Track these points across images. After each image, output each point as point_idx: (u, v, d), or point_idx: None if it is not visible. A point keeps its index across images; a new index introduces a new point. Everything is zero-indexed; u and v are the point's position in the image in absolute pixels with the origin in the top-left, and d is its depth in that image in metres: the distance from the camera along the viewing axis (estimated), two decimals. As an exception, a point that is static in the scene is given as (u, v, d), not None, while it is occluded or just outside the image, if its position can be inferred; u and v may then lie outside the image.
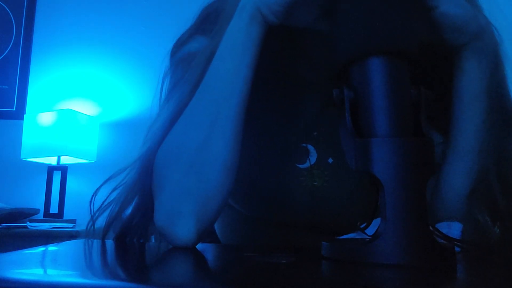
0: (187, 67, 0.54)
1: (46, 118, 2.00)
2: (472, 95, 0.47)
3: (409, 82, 0.37)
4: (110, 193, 0.53)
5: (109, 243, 0.49)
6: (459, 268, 0.33)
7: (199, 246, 0.48)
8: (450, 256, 0.34)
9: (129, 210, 0.52)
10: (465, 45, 0.46)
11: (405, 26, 0.37)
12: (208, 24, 0.56)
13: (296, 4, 0.45)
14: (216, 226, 0.72)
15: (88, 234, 0.52)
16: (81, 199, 2.10)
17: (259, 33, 0.46)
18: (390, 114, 0.35)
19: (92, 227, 0.53)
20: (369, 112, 0.36)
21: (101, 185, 0.53)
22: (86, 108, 2.25)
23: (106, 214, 0.53)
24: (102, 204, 0.53)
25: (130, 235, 0.52)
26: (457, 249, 0.39)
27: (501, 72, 0.49)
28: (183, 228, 0.46)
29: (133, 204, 0.52)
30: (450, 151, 0.49)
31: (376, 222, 0.36)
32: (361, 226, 0.41)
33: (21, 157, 2.04)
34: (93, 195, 0.54)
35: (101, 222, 0.53)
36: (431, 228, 0.34)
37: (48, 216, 1.96)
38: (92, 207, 0.53)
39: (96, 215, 0.53)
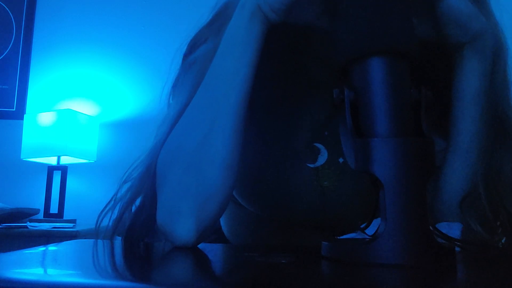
0: (197, 69, 0.54)
1: (46, 118, 2.00)
2: (472, 95, 0.47)
3: (410, 82, 0.37)
4: (116, 192, 0.53)
5: (109, 243, 0.49)
6: (459, 268, 0.33)
7: (200, 246, 0.48)
8: (450, 256, 0.34)
9: (134, 208, 0.52)
10: (466, 44, 0.46)
11: (405, 25, 0.37)
12: (222, 25, 0.56)
13: (296, 2, 0.45)
14: (224, 224, 0.72)
15: (98, 233, 0.52)
16: (81, 199, 2.10)
17: (259, 31, 0.46)
18: (390, 114, 0.35)
19: (105, 222, 0.53)
20: (370, 112, 0.36)
21: (120, 186, 0.53)
22: (86, 108, 2.25)
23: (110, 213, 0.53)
24: (109, 202, 0.53)
25: (136, 233, 0.52)
26: (457, 249, 0.39)
27: (502, 72, 0.49)
28: (182, 227, 0.46)
29: (139, 202, 0.52)
30: (450, 152, 0.49)
31: (376, 222, 0.36)
32: (361, 226, 0.41)
33: (21, 157, 2.04)
34: (114, 198, 0.53)
35: (105, 222, 0.53)
36: (431, 228, 0.34)
37: (48, 216, 1.96)
38: (111, 206, 0.53)
39: (104, 212, 0.53)
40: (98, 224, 0.52)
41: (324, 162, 0.58)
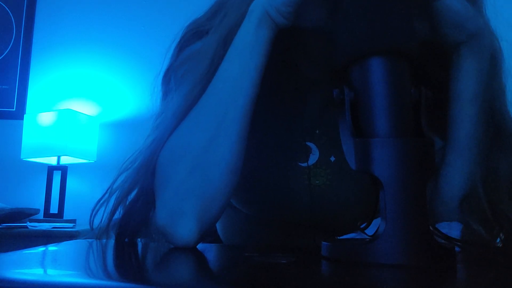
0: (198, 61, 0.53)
1: (46, 118, 2.00)
2: (469, 94, 0.47)
3: (410, 82, 0.37)
4: (112, 184, 0.53)
5: (109, 244, 0.49)
6: (459, 268, 0.33)
7: (199, 246, 0.48)
8: (450, 256, 0.34)
9: (131, 196, 0.52)
10: (463, 43, 0.46)
11: (405, 26, 0.37)
12: (223, 18, 0.55)
13: (303, 4, 0.45)
14: (218, 225, 0.72)
15: (92, 225, 0.52)
16: (81, 199, 2.10)
17: (267, 36, 0.47)
18: (390, 114, 0.35)
19: (100, 214, 0.52)
20: (370, 112, 0.36)
21: (117, 177, 0.52)
22: (86, 108, 2.25)
23: (109, 205, 0.53)
24: (104, 194, 0.53)
25: (131, 225, 0.51)
26: (457, 249, 0.39)
27: (498, 73, 0.49)
28: (184, 228, 0.46)
29: (136, 191, 0.52)
30: (449, 151, 0.49)
31: (376, 222, 0.36)
32: (361, 226, 0.41)
33: (21, 157, 2.04)
34: (110, 189, 0.53)
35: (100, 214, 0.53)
36: (431, 228, 0.34)
37: (48, 216, 1.96)
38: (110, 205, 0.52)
39: (102, 201, 0.52)
40: (92, 218, 0.52)
41: (316, 161, 0.58)
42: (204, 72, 0.50)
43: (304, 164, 0.58)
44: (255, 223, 0.64)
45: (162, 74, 0.60)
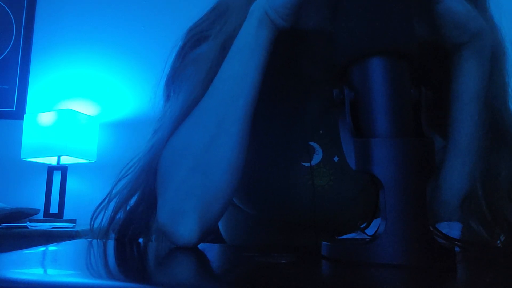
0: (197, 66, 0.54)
1: (46, 118, 2.00)
2: (470, 95, 0.47)
3: (410, 82, 0.37)
4: (111, 190, 0.53)
5: (110, 243, 0.49)
6: (459, 268, 0.33)
7: (200, 246, 0.48)
8: (450, 256, 0.34)
9: (132, 202, 0.52)
10: (465, 44, 0.46)
11: (405, 26, 0.37)
12: (224, 25, 0.55)
13: (302, 5, 0.45)
14: (220, 224, 0.72)
15: (92, 231, 0.52)
16: (81, 199, 2.10)
17: (267, 37, 0.47)
18: (390, 114, 0.35)
19: (100, 220, 0.52)
20: (370, 112, 0.36)
21: (116, 183, 0.53)
22: (86, 108, 2.25)
23: (109, 210, 0.53)
24: (103, 200, 0.53)
25: (130, 232, 0.52)
26: (457, 249, 0.39)
27: (500, 73, 0.49)
28: (185, 227, 0.46)
29: (136, 197, 0.52)
30: (449, 151, 0.49)
31: (376, 222, 0.36)
32: (361, 226, 0.41)
33: (21, 157, 2.04)
34: (109, 196, 0.53)
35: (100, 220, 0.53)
36: (431, 228, 0.34)
37: (48, 216, 1.96)
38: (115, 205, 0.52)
39: (98, 210, 0.53)
40: (92, 223, 0.52)
41: (319, 161, 0.58)
42: (203, 77, 0.50)
43: (308, 164, 0.58)
44: (257, 222, 0.64)
45: (164, 79, 0.60)
